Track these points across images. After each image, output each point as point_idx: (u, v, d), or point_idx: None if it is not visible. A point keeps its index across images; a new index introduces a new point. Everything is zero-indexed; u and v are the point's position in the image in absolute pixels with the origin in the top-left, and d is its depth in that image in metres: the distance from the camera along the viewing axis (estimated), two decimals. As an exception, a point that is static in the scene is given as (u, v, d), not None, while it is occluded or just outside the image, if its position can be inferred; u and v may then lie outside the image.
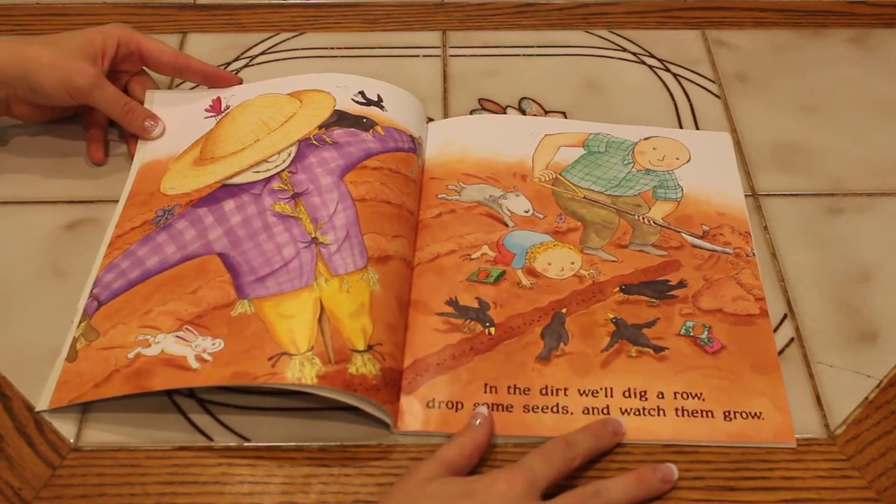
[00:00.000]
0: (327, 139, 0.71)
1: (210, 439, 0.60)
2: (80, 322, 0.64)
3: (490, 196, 0.73)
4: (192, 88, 0.82)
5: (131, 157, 0.76)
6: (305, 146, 0.71)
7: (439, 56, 0.88)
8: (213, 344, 0.61)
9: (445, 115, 0.82)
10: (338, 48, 0.88)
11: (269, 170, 0.70)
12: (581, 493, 0.55)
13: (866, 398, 0.63)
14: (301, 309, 0.62)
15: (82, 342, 0.63)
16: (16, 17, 0.90)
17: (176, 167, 0.73)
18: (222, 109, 0.77)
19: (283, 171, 0.70)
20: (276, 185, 0.69)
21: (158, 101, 0.78)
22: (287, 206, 0.68)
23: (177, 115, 0.77)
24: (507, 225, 0.71)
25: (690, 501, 0.58)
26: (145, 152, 0.75)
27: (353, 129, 0.73)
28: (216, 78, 0.79)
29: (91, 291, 0.66)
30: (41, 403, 0.61)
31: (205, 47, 0.88)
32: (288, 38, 0.89)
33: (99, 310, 0.65)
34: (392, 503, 0.54)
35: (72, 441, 0.60)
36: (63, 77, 0.71)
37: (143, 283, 0.65)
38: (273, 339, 0.61)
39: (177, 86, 0.82)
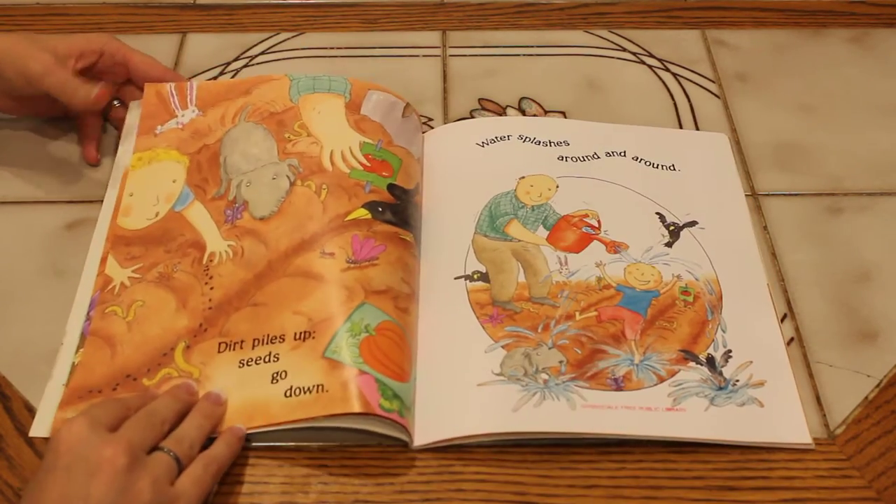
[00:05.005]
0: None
1: (210, 439, 0.60)
2: (79, 347, 0.64)
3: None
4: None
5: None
6: None
7: (439, 56, 0.88)
8: None
9: (445, 115, 0.82)
10: (338, 48, 0.88)
11: None
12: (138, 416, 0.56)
13: (866, 398, 0.63)
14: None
15: None
16: (16, 18, 0.90)
17: None
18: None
19: None
20: None
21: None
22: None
23: None
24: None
25: (690, 501, 0.58)
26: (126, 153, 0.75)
27: None
28: None
29: (88, 314, 0.65)
30: (39, 429, 0.60)
31: (205, 47, 0.88)
32: (288, 38, 0.89)
33: None
34: None
35: (72, 441, 0.60)
36: (20, 64, 0.72)
37: None
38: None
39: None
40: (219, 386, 0.61)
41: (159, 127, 0.75)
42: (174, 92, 0.76)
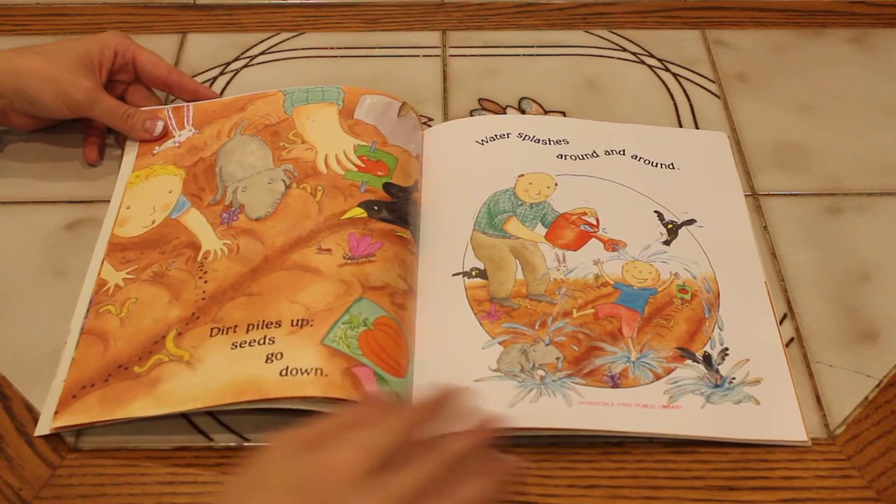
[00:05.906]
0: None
1: (210, 439, 0.60)
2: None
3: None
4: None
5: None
6: None
7: (439, 56, 0.88)
8: None
9: (445, 116, 0.82)
10: (337, 48, 0.88)
11: None
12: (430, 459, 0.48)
13: (866, 398, 0.63)
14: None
15: None
16: (16, 18, 0.90)
17: None
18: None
19: None
20: None
21: None
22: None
23: None
24: None
25: (690, 501, 0.58)
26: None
27: None
28: (205, 98, 0.79)
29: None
30: (41, 427, 0.60)
31: (205, 47, 0.88)
32: (288, 38, 0.89)
33: None
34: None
35: (71, 441, 0.60)
36: (61, 91, 0.71)
37: None
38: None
39: (172, 100, 0.82)
40: (209, 366, 0.60)
41: (157, 147, 0.75)
42: (171, 115, 0.77)
